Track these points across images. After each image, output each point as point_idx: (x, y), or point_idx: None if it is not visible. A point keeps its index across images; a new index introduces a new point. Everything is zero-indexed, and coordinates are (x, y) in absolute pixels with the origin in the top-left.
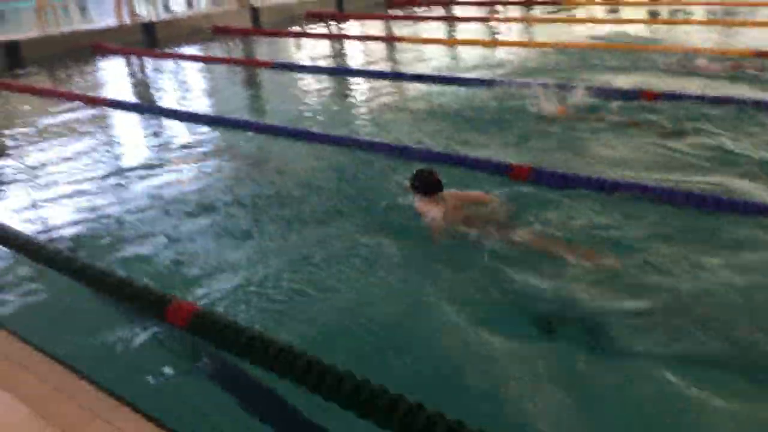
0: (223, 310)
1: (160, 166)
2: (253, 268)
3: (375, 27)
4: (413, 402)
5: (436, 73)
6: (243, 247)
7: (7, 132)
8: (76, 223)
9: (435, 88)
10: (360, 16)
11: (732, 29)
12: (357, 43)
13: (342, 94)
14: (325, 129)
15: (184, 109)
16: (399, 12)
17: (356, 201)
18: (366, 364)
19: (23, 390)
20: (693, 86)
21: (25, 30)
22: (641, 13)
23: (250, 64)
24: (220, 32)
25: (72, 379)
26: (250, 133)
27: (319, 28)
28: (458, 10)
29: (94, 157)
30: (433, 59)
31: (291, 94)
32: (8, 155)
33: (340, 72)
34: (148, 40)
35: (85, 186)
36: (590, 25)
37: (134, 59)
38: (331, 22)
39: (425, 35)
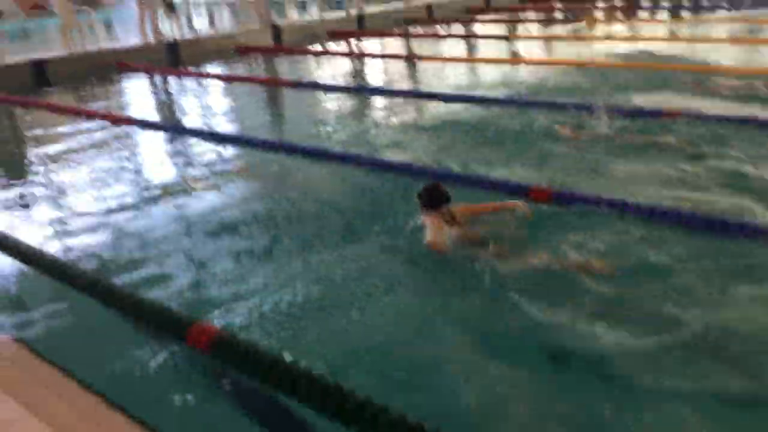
0: (242, 332)
1: (182, 185)
2: (273, 290)
3: (395, 45)
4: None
5: (455, 91)
6: (263, 267)
7: (33, 150)
8: (98, 242)
9: (454, 106)
10: (381, 34)
11: (754, 47)
12: (377, 61)
13: (362, 112)
14: (345, 148)
15: (205, 128)
16: (419, 30)
17: (376, 221)
18: (378, 389)
19: (44, 411)
20: (714, 106)
21: (51, 48)
22: (662, 31)
23: (271, 83)
24: (243, 51)
25: (92, 401)
26: (270, 152)
27: (341, 47)
28: (478, 28)
29: (117, 176)
30: (453, 77)
31: (311, 113)
32: (34, 173)
33: (360, 90)
34: (172, 58)
35: (108, 205)
36: (610, 43)
37: (158, 78)
38: (353, 41)
39: (445, 53)
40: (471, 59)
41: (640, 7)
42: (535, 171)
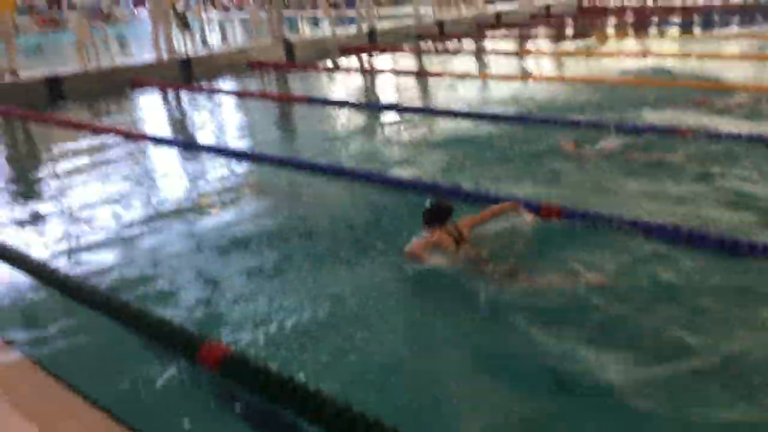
0: (252, 350)
1: (194, 201)
2: (283, 308)
3: (406, 61)
4: None
5: (466, 108)
6: (273, 285)
7: (47, 165)
8: (110, 258)
9: (464, 122)
10: (392, 50)
11: (765, 64)
12: (388, 77)
13: (372, 128)
14: (355, 164)
15: (218, 144)
16: (431, 46)
17: (386, 238)
18: (386, 410)
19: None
20: (724, 123)
21: (64, 64)
22: (672, 47)
23: (283, 98)
24: (255, 67)
25: (98, 417)
26: (281, 168)
27: (352, 62)
28: (489, 44)
29: (129, 192)
30: (464, 94)
31: (323, 129)
32: (47, 189)
33: (370, 106)
34: (186, 75)
35: (120, 221)
36: (620, 59)
37: (171, 94)
38: (364, 56)
39: (456, 69)
40: (481, 75)
41: (651, 24)
42: (545, 187)
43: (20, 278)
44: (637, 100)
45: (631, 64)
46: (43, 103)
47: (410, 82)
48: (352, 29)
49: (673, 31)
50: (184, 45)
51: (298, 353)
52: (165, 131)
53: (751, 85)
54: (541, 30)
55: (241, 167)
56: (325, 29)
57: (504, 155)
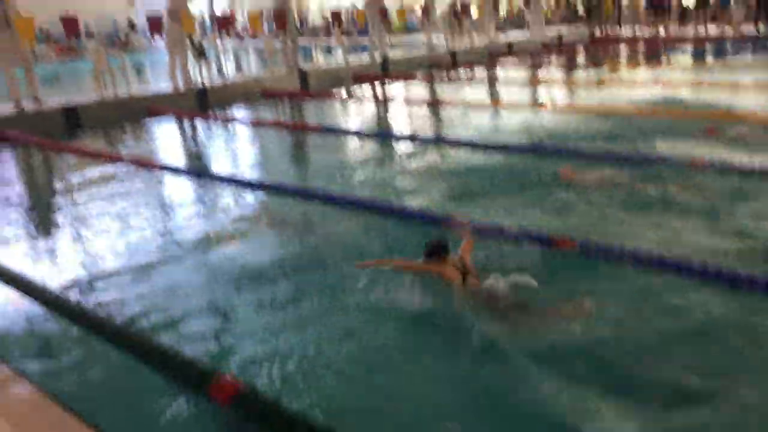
0: (265, 386)
1: (208, 231)
2: (295, 342)
3: (419, 89)
4: None
5: (478, 137)
6: (286, 318)
7: (62, 195)
8: (123, 289)
9: (477, 152)
10: (405, 78)
11: None
12: (401, 105)
13: (384, 158)
14: (368, 194)
15: (232, 174)
16: (444, 75)
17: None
18: None
19: None
20: (736, 155)
21: (82, 92)
22: (685, 77)
23: (297, 127)
24: (270, 95)
25: None
26: (295, 199)
27: (365, 91)
28: (501, 74)
29: (144, 222)
30: (475, 123)
31: (336, 159)
32: (62, 218)
33: (384, 136)
34: (201, 103)
35: (134, 251)
36: (632, 89)
37: (187, 123)
38: (377, 85)
39: (468, 98)
40: (493, 104)
41: (663, 54)
42: (556, 218)
43: (32, 308)
44: (649, 130)
45: (643, 93)
46: (60, 132)
47: (422, 110)
48: (365, 58)
49: (686, 60)
50: (199, 74)
51: (309, 389)
52: (180, 161)
53: (764, 116)
54: (553, 59)
55: (254, 197)
56: (339, 58)
57: (514, 184)
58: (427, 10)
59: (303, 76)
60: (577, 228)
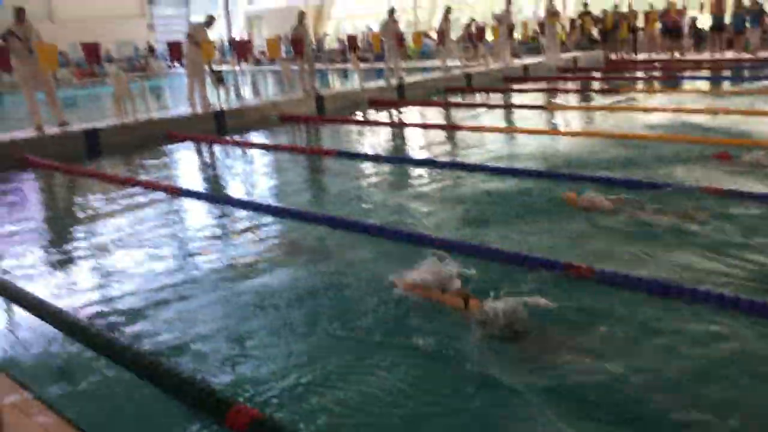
0: (283, 415)
1: (225, 257)
2: (313, 370)
3: (434, 114)
4: None
5: (493, 162)
6: (303, 346)
7: (81, 219)
8: (140, 315)
9: (492, 178)
10: (420, 103)
11: None
12: (416, 130)
13: (400, 183)
14: (382, 221)
15: (250, 199)
16: (459, 99)
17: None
18: None
19: None
20: (752, 182)
21: (102, 117)
22: (701, 101)
23: (314, 152)
24: (287, 119)
25: None
26: (312, 225)
27: (381, 116)
28: (516, 98)
29: (162, 247)
30: (491, 148)
31: (352, 184)
32: (81, 244)
33: (400, 161)
34: (219, 128)
35: (152, 277)
36: (649, 114)
37: (205, 147)
38: (393, 110)
39: (483, 123)
40: (508, 129)
41: (679, 77)
42: (569, 246)
43: (51, 333)
44: (662, 155)
45: (659, 118)
46: (81, 156)
47: (438, 135)
48: (381, 82)
49: (701, 85)
50: (217, 98)
51: (327, 420)
52: (199, 185)
53: None
54: (569, 83)
55: (272, 222)
56: (355, 82)
57: (527, 209)
58: (442, 34)
59: (319, 100)
60: (586, 253)
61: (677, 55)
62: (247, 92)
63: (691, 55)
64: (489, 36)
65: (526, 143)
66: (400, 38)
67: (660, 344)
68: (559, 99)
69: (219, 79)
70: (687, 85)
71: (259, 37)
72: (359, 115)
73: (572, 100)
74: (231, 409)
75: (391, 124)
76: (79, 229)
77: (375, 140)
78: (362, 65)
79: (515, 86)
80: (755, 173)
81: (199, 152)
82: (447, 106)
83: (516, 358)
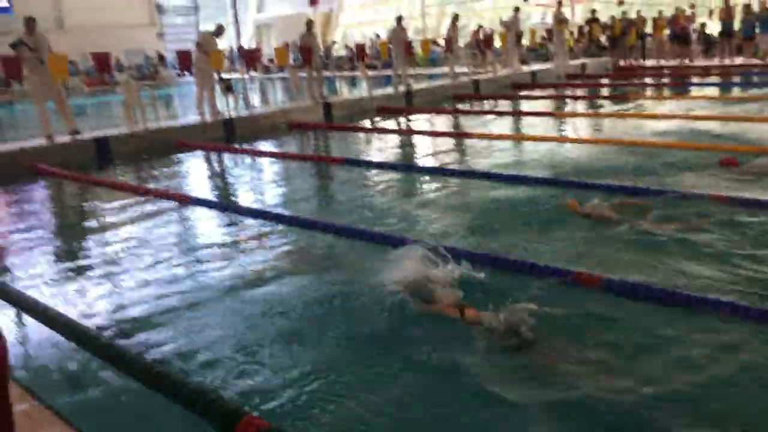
0: (292, 425)
1: (235, 266)
2: (323, 382)
3: (442, 121)
4: None
5: (501, 170)
6: (311, 355)
7: (91, 229)
8: (151, 325)
9: (500, 185)
10: (428, 110)
11: None
12: (425, 138)
13: (407, 191)
14: (390, 229)
15: (257, 207)
16: (467, 106)
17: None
18: None
19: None
20: (759, 189)
21: (112, 125)
22: (713, 108)
23: (322, 159)
24: (295, 127)
25: None
26: (321, 233)
27: (389, 123)
28: (524, 105)
29: (171, 256)
30: (499, 155)
31: (360, 192)
32: (90, 253)
33: (408, 169)
34: (228, 135)
35: (162, 287)
36: (657, 121)
37: (214, 155)
38: (400, 117)
39: (491, 130)
40: (517, 137)
41: (688, 83)
42: (573, 253)
43: (62, 343)
44: (673, 163)
45: (668, 125)
46: (91, 164)
47: (445, 142)
48: (389, 89)
49: (711, 91)
50: (226, 106)
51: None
52: (207, 193)
53: None
54: (577, 90)
55: (281, 231)
56: (363, 90)
57: (533, 217)
58: (450, 41)
59: (327, 107)
60: (589, 261)
61: (686, 61)
62: (255, 100)
63: (700, 62)
64: (497, 43)
65: (534, 150)
66: (408, 45)
67: (669, 354)
68: (568, 105)
69: (228, 87)
70: (696, 91)
71: (267, 45)
72: (367, 123)
73: (581, 106)
74: (241, 420)
75: (399, 132)
76: (89, 237)
77: (383, 147)
78: (370, 72)
79: (523, 93)
80: (763, 180)
81: (209, 160)
82: (455, 113)
83: (520, 369)
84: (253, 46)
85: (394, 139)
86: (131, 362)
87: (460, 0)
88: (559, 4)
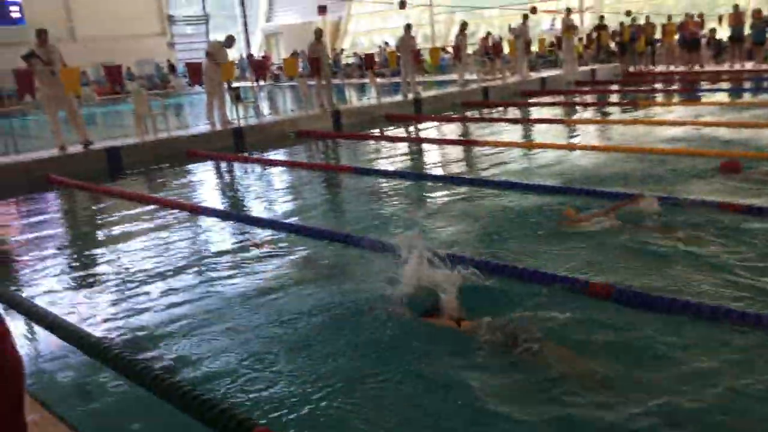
0: None
1: (241, 275)
2: (334, 393)
3: (451, 128)
4: None
5: (511, 178)
6: (319, 366)
7: (101, 238)
8: (161, 336)
9: (509, 193)
10: (437, 118)
11: None
12: (433, 145)
13: (416, 199)
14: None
15: (266, 216)
16: (476, 114)
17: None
18: None
19: None
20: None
21: (123, 134)
22: (724, 114)
23: (330, 168)
24: (304, 135)
25: None
26: (329, 242)
27: (398, 131)
28: (533, 112)
29: (182, 266)
30: (508, 163)
31: (369, 200)
32: (101, 263)
33: (416, 177)
34: (238, 144)
35: (173, 298)
36: (668, 127)
37: (224, 164)
38: (409, 125)
39: (500, 137)
40: (526, 144)
41: (699, 89)
42: (585, 263)
43: (72, 353)
44: (682, 169)
45: (678, 131)
46: (103, 174)
47: (454, 150)
48: (397, 97)
49: (721, 96)
50: (236, 115)
51: None
52: (218, 203)
53: None
54: (587, 97)
55: (291, 240)
56: (372, 98)
57: (543, 226)
58: (459, 48)
59: (336, 116)
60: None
61: (696, 67)
62: (265, 109)
63: (710, 67)
64: (506, 50)
65: (544, 157)
66: (416, 53)
67: (679, 367)
68: (577, 112)
69: (237, 96)
70: (706, 97)
71: (276, 54)
72: (376, 131)
73: (590, 113)
74: (252, 431)
75: (408, 140)
76: (100, 247)
77: (392, 156)
78: (379, 80)
79: (532, 100)
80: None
81: (219, 170)
82: (464, 120)
83: (521, 381)
84: (263, 54)
85: (403, 147)
86: (141, 372)
87: (469, 7)
88: (568, 11)
